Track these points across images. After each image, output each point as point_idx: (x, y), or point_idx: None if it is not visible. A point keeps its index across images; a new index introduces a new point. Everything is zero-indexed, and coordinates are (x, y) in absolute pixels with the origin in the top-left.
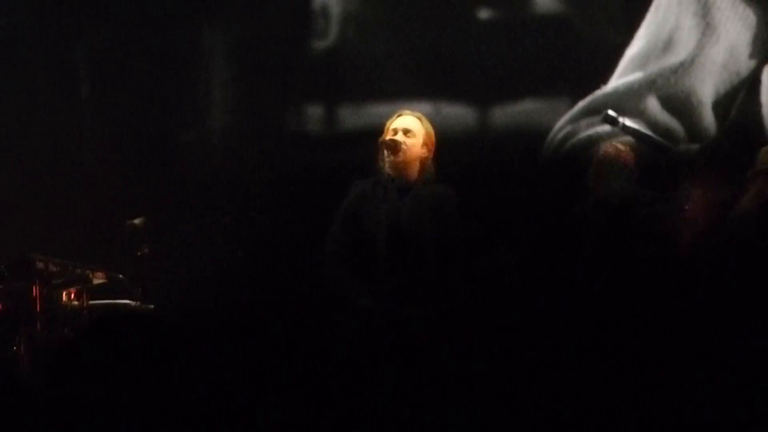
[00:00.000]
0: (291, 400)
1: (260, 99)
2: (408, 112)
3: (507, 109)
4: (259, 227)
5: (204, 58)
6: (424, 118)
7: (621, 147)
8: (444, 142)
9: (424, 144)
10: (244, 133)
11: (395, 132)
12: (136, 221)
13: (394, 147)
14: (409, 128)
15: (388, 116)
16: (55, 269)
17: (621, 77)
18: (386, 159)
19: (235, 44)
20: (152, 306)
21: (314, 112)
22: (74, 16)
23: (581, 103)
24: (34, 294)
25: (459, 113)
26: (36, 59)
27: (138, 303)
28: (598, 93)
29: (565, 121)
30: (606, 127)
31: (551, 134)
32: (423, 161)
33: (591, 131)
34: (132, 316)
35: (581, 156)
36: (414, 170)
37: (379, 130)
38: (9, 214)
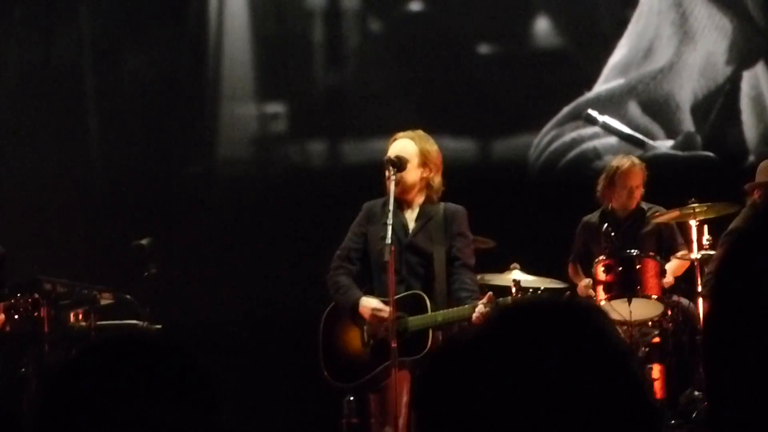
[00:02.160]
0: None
1: (265, 133)
2: (402, 134)
3: (507, 142)
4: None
5: (211, 92)
6: (419, 137)
7: (634, 161)
8: (445, 174)
9: (421, 164)
10: (251, 164)
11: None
12: (143, 242)
13: (399, 164)
14: (401, 154)
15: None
16: (62, 290)
17: (604, 83)
18: (391, 176)
19: (243, 80)
20: (159, 326)
21: (318, 146)
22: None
23: (566, 109)
24: (41, 315)
25: (461, 146)
26: (46, 90)
27: (145, 323)
28: (582, 99)
29: (551, 125)
30: (588, 130)
31: (537, 138)
32: (426, 180)
33: (575, 133)
34: (133, 338)
35: (564, 156)
36: (417, 190)
37: (381, 164)
38: (17, 235)
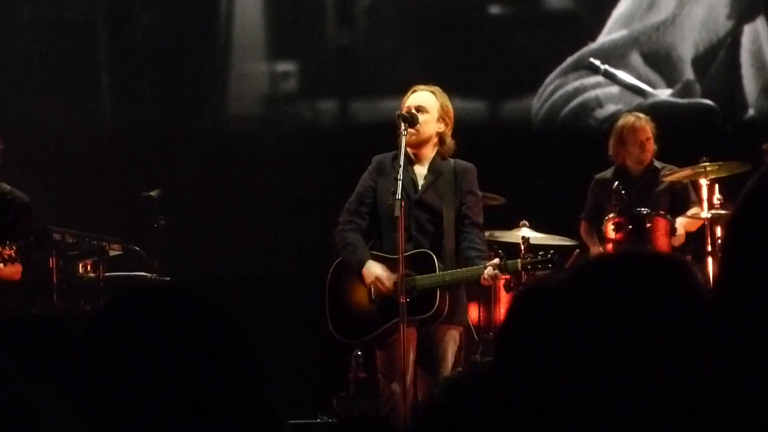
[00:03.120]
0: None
1: (275, 91)
2: (422, 87)
3: (516, 102)
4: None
5: (222, 50)
6: (439, 92)
7: (639, 116)
8: (455, 134)
9: (440, 119)
10: (261, 121)
11: (409, 109)
12: (153, 193)
13: (411, 119)
14: (422, 104)
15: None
16: (71, 241)
17: (607, 35)
18: (402, 131)
19: (254, 38)
20: (168, 278)
21: (328, 105)
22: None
23: (570, 59)
24: (50, 265)
25: (469, 107)
26: (59, 45)
27: (154, 275)
28: (586, 49)
29: (555, 75)
30: (591, 79)
31: (541, 88)
32: (441, 135)
33: (577, 83)
34: (159, 290)
35: (567, 105)
36: (431, 146)
37: (390, 123)
38: (28, 185)
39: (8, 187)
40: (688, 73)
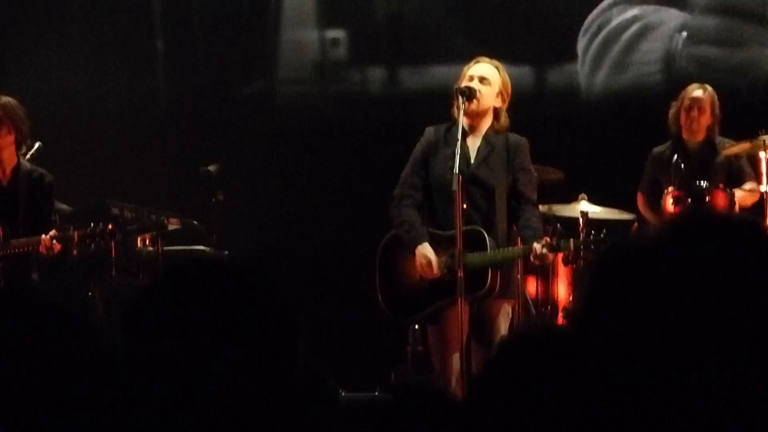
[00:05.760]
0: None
1: (325, 58)
2: (486, 59)
3: (563, 69)
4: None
5: (273, 17)
6: (501, 68)
7: (705, 87)
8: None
9: (499, 93)
10: (311, 89)
11: (471, 79)
12: (211, 168)
13: (469, 93)
14: (486, 76)
15: (447, 77)
16: (129, 215)
17: None
18: (460, 106)
19: (305, 5)
20: (226, 252)
21: (377, 72)
22: None
23: None
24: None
25: (517, 74)
26: (114, 14)
27: (212, 249)
28: None
29: (599, 11)
30: (633, 11)
31: (586, 23)
32: (497, 111)
33: (621, 18)
34: (210, 262)
35: (613, 43)
36: (487, 119)
37: (439, 91)
38: (85, 160)
39: (29, 165)
40: None
